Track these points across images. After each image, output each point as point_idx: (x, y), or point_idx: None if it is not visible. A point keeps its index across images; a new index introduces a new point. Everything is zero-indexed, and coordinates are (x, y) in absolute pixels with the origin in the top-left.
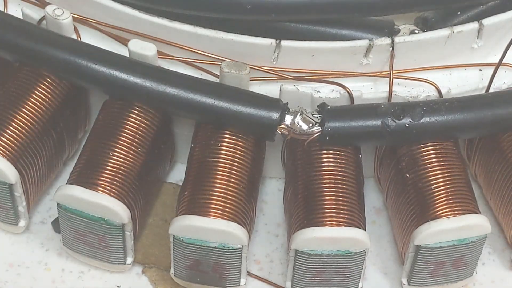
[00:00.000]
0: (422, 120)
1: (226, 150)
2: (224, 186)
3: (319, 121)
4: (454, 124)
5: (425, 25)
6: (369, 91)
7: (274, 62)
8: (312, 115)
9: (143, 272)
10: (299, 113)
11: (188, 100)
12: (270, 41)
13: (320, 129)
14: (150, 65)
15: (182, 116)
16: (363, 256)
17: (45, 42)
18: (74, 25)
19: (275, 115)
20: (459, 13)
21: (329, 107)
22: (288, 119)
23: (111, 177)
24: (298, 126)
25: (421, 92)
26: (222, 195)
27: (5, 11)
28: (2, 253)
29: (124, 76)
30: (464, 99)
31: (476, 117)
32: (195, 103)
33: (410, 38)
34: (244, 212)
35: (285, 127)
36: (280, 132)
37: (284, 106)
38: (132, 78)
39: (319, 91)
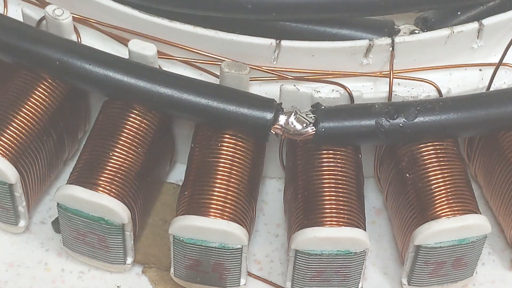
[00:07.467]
0: (416, 120)
1: (226, 150)
2: (224, 186)
3: (313, 121)
4: (448, 124)
5: (425, 25)
6: (369, 91)
7: (274, 62)
8: (306, 115)
9: (143, 272)
10: (293, 113)
11: (182, 100)
12: (270, 41)
13: (314, 129)
14: (144, 66)
15: (176, 116)
16: (363, 256)
17: (42, 44)
18: (74, 25)
19: (269, 115)
20: (459, 13)
21: (323, 107)
22: (282, 119)
23: (111, 177)
24: (292, 126)
25: (421, 92)
26: (222, 195)
27: (5, 11)
28: (2, 253)
29: (120, 77)
30: (458, 98)
31: (471, 116)
32: (189, 104)
33: (410, 38)
34: (244, 212)
35: (279, 127)
36: (274, 133)
37: (278, 106)
38: (127, 80)
39: (319, 91)
